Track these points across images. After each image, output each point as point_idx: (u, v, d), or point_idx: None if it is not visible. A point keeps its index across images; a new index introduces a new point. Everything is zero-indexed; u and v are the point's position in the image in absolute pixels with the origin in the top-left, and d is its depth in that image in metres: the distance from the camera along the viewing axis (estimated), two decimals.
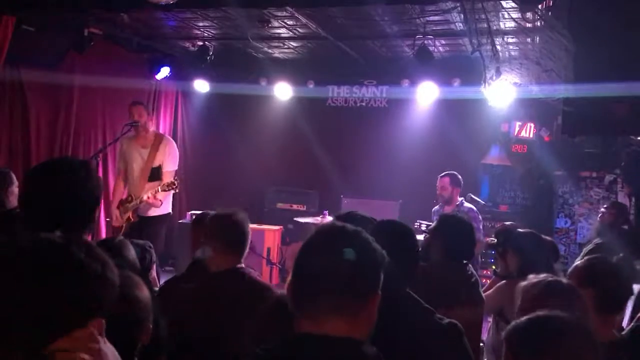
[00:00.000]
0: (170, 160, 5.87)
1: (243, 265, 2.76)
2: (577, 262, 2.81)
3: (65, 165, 2.04)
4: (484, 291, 3.51)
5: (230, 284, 2.61)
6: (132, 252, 2.78)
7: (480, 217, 5.94)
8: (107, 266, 1.32)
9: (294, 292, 1.48)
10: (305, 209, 8.32)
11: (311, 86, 8.22)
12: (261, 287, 2.69)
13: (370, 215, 3.26)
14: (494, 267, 3.79)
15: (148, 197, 5.56)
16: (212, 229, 2.80)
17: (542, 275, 2.30)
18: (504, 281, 3.49)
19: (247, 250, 2.80)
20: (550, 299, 2.06)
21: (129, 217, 5.68)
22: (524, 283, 2.31)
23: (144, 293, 1.74)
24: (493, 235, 3.75)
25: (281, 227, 8.05)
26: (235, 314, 2.36)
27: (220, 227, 2.79)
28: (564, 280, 2.32)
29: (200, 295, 2.56)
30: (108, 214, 6.17)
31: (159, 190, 5.58)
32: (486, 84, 5.73)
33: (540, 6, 3.67)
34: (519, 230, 3.61)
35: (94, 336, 1.27)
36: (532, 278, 2.31)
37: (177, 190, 5.77)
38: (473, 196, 6.33)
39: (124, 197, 5.85)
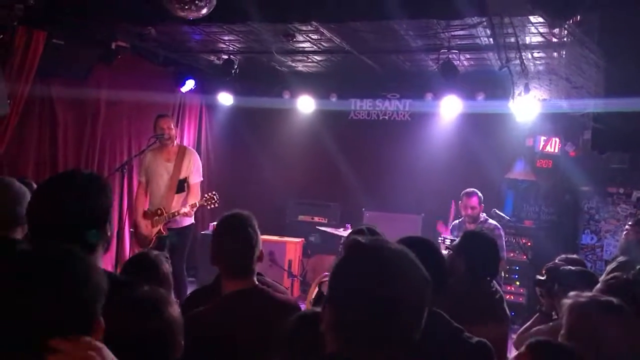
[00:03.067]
0: (195, 172, 5.96)
1: (257, 283, 2.56)
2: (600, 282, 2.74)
3: (73, 180, 2.00)
4: (529, 328, 3.41)
5: (247, 305, 2.44)
6: (165, 266, 2.79)
7: (504, 234, 5.86)
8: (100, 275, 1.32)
9: (337, 334, 1.34)
10: (326, 221, 8.31)
11: (334, 99, 8.24)
12: (281, 304, 2.53)
13: (380, 230, 3.22)
14: (539, 306, 3.57)
15: (185, 212, 5.66)
16: (214, 254, 2.55)
17: (590, 294, 2.24)
18: (550, 324, 3.31)
19: (256, 264, 2.54)
20: (607, 318, 2.02)
21: (159, 230, 5.75)
22: (570, 301, 2.22)
23: (176, 310, 1.74)
24: (543, 271, 3.59)
25: (303, 239, 8.06)
26: (255, 335, 2.28)
27: (223, 253, 2.53)
28: (615, 300, 2.25)
29: (215, 318, 2.41)
30: (132, 224, 6.24)
31: (197, 204, 5.69)
32: (514, 99, 5.67)
33: (568, 21, 3.64)
34: (571, 268, 3.43)
35: (93, 344, 1.27)
36: (577, 296, 2.23)
37: (217, 205, 5.80)
38: (498, 211, 6.25)
39: (147, 208, 5.92)
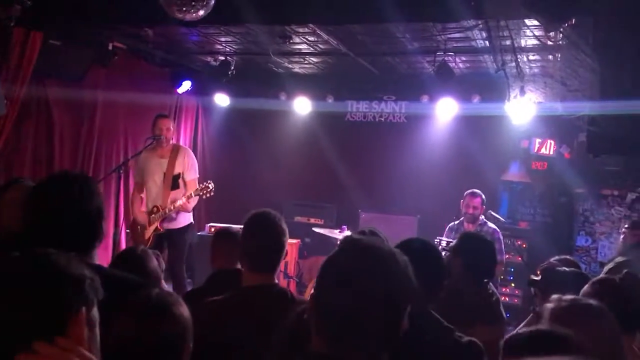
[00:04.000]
0: (191, 169, 5.94)
1: (277, 280, 2.62)
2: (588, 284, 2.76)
3: (64, 182, 2.01)
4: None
5: (263, 298, 2.48)
6: (153, 262, 2.82)
7: (502, 238, 5.90)
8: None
9: (318, 327, 1.37)
10: (323, 222, 8.31)
11: (330, 101, 8.26)
12: (296, 301, 2.56)
13: (382, 233, 3.24)
14: (533, 306, 3.58)
15: (181, 205, 5.62)
16: (245, 250, 2.59)
17: (570, 297, 2.26)
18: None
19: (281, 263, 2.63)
20: (583, 320, 2.04)
21: (156, 227, 5.73)
22: (551, 305, 2.25)
23: (185, 310, 1.72)
24: (538, 272, 3.61)
25: (299, 240, 8.06)
26: (266, 328, 2.30)
27: (254, 248, 2.57)
28: (594, 302, 2.27)
29: (230, 307, 2.45)
30: (128, 225, 6.23)
31: (192, 195, 5.66)
32: (509, 102, 5.70)
33: (564, 25, 3.67)
34: (565, 269, 3.45)
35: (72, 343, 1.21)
36: (558, 299, 2.26)
37: (212, 194, 5.77)
38: (493, 213, 6.29)
39: (143, 209, 5.90)
